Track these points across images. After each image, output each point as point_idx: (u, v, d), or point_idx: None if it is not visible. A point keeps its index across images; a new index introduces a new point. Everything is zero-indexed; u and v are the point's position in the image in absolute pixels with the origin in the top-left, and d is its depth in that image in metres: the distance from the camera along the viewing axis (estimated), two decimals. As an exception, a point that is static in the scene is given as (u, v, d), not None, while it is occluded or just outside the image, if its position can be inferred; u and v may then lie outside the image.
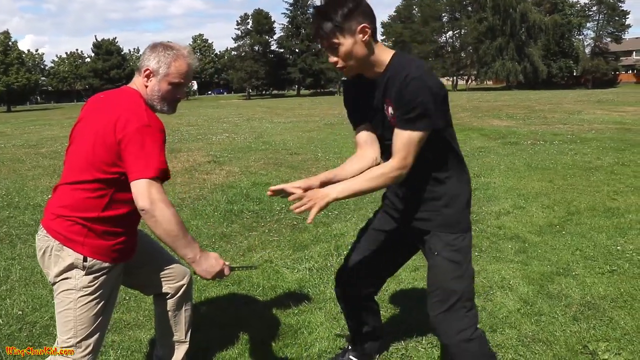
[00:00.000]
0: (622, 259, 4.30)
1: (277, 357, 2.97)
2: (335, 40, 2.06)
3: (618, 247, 4.56)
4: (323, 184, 2.22)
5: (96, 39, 63.71)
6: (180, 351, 2.72)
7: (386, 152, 2.26)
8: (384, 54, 2.15)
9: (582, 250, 4.54)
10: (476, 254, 4.46)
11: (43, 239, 2.20)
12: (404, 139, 2.07)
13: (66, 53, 77.85)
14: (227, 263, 2.23)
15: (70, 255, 2.14)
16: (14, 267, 4.55)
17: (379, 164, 2.29)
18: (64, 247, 2.15)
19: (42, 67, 79.21)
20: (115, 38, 64.97)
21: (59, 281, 2.19)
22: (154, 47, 2.27)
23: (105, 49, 62.86)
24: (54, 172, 9.17)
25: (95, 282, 2.19)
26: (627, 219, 5.43)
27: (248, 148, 11.67)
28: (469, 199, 2.33)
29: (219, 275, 2.20)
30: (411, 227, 2.37)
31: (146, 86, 2.26)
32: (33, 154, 11.75)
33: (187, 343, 2.72)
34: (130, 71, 66.25)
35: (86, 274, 2.16)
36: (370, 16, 2.09)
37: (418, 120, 2.04)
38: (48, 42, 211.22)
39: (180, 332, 2.70)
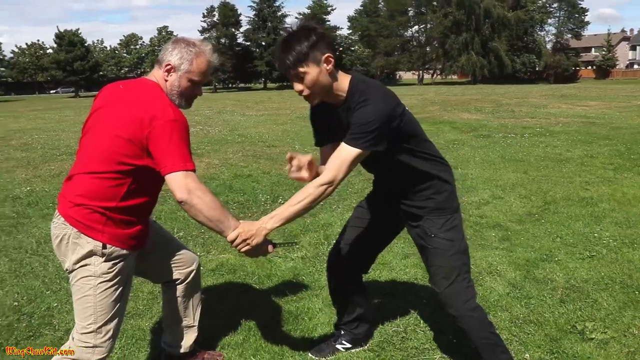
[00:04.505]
0: (599, 245, 4.51)
1: (281, 342, 3.04)
2: (302, 70, 2.20)
3: (595, 235, 4.77)
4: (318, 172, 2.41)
5: (58, 30, 61.83)
6: (190, 336, 2.78)
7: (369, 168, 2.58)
8: (344, 81, 2.30)
9: (562, 237, 4.74)
10: (462, 241, 4.61)
11: (60, 227, 2.21)
12: (344, 155, 2.22)
13: (27, 44, 75.21)
14: (271, 240, 2.31)
15: (89, 243, 2.16)
16: (1, 259, 4.51)
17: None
18: (82, 234, 2.16)
19: (1, 57, 76.88)
20: (79, 29, 63.10)
21: (77, 268, 2.20)
22: (177, 42, 2.29)
23: (68, 40, 61.04)
24: (29, 164, 9.03)
25: (114, 268, 2.22)
26: (600, 208, 5.67)
27: (224, 140, 11.65)
28: (454, 186, 2.55)
29: (263, 253, 2.30)
30: (404, 213, 2.56)
31: (166, 80, 2.28)
32: (3, 146, 11.49)
33: (196, 328, 2.79)
34: (95, 63, 64.85)
35: (105, 261, 2.19)
36: (332, 46, 2.26)
37: (362, 138, 2.19)
38: (7, 31, 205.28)
39: (190, 317, 2.76)
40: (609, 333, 3.05)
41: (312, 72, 2.20)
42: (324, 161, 2.54)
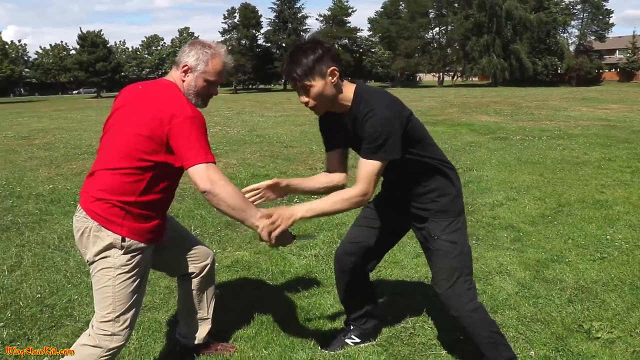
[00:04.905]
0: (611, 247, 4.53)
1: (293, 336, 3.14)
2: (307, 83, 2.30)
3: (607, 237, 4.79)
4: (289, 186, 2.61)
5: (81, 31, 62.59)
6: (204, 328, 2.89)
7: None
8: (349, 91, 2.40)
9: (574, 239, 4.77)
10: (474, 242, 4.66)
11: (82, 220, 2.33)
12: (368, 169, 2.32)
13: (50, 45, 76.51)
14: (291, 232, 2.41)
15: (109, 236, 2.28)
16: (25, 254, 4.67)
17: (343, 186, 2.60)
18: (103, 228, 2.28)
19: (26, 58, 78.24)
20: (101, 30, 63.79)
21: (97, 260, 2.32)
22: (193, 44, 2.42)
23: (91, 41, 61.80)
24: (51, 163, 9.25)
25: (132, 260, 2.33)
26: (614, 210, 5.67)
27: (242, 141, 11.81)
28: (459, 189, 2.62)
29: (284, 243, 2.39)
30: (410, 214, 2.64)
31: (183, 80, 2.40)
32: (27, 145, 11.78)
33: (210, 320, 2.89)
34: (117, 64, 65.60)
35: (124, 253, 2.31)
36: (337, 60, 2.35)
37: (378, 150, 2.29)
38: (31, 33, 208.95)
39: (204, 310, 2.87)
40: (615, 333, 3.09)
41: (317, 85, 2.30)
42: (329, 165, 2.66)
